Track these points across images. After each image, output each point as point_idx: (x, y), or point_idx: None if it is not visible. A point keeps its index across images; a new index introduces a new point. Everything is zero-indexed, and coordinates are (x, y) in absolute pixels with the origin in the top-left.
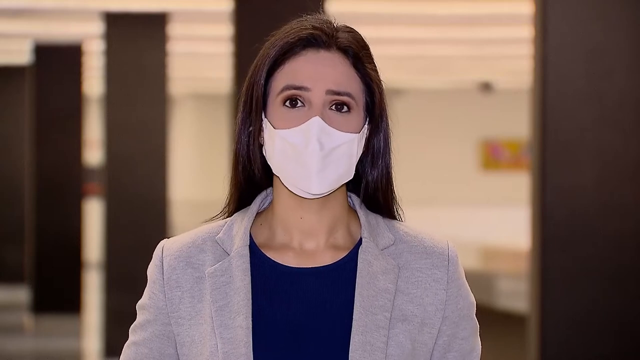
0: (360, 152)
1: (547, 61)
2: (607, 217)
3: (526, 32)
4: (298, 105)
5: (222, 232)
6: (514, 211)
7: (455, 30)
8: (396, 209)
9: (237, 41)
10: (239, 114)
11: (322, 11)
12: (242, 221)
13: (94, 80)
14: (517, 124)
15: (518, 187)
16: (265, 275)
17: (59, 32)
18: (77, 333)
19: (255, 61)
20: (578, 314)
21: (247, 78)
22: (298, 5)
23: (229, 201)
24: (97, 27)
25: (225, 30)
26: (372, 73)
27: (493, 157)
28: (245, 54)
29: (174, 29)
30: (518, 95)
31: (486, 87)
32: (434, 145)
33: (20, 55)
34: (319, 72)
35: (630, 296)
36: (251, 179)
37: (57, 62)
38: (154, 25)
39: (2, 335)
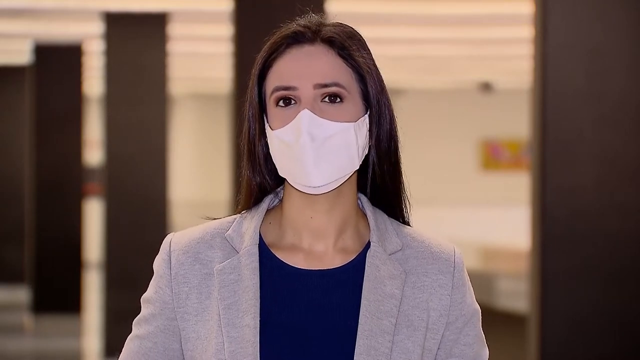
0: (364, 142)
1: (547, 61)
2: (607, 217)
3: (526, 32)
4: (291, 103)
5: (231, 229)
6: (514, 211)
7: (455, 30)
8: (404, 199)
9: (237, 41)
10: (245, 126)
11: (323, 11)
12: (251, 219)
13: (94, 80)
14: (517, 124)
15: (518, 187)
16: (273, 275)
17: (59, 32)
18: (77, 333)
19: (252, 69)
20: (578, 314)
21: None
22: (298, 5)
23: (242, 206)
24: (97, 27)
25: (225, 30)
26: (361, 60)
27: (493, 157)
28: (245, 54)
29: (174, 29)
30: (518, 95)
31: (486, 87)
32: (434, 145)
33: (20, 55)
34: (304, 67)
35: (630, 296)
36: (264, 188)
37: (57, 62)
38: (154, 25)
39: (2, 335)
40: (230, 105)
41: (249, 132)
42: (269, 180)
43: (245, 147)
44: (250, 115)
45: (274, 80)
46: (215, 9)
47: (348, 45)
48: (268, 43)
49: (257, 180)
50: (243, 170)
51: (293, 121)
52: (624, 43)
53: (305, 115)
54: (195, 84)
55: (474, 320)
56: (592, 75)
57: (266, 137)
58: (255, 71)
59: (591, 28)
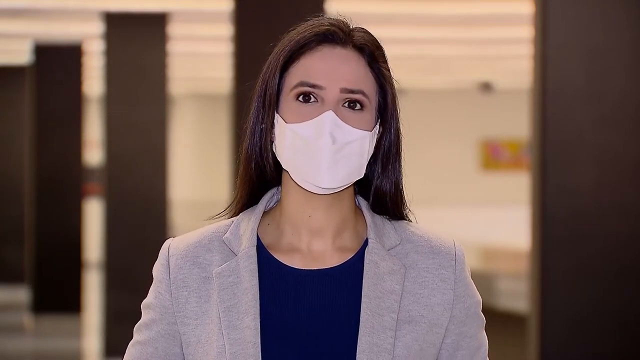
0: (371, 151)
1: (547, 61)
2: (607, 217)
3: (526, 32)
4: (311, 100)
5: (228, 232)
6: (514, 211)
7: (455, 30)
8: (406, 214)
9: (237, 41)
10: (252, 110)
11: (323, 11)
12: (248, 221)
13: (94, 80)
14: (517, 124)
15: (518, 187)
16: (272, 276)
17: (59, 32)
18: (77, 333)
19: (270, 57)
20: (578, 314)
21: (261, 74)
22: (298, 5)
23: (238, 198)
24: (97, 27)
25: (225, 30)
26: (387, 73)
27: (493, 157)
28: (245, 54)
29: (174, 29)
30: (518, 95)
31: (486, 87)
32: (434, 145)
33: (20, 55)
34: (333, 69)
35: (630, 296)
36: (262, 175)
37: (57, 62)
38: (154, 25)
39: (2, 335)
40: (230, 105)
41: (261, 117)
42: (270, 170)
43: (253, 135)
44: (267, 102)
45: (299, 74)
46: (215, 9)
47: (377, 56)
48: (295, 36)
49: (257, 169)
50: (244, 157)
51: (316, 119)
52: (624, 43)
53: (330, 117)
54: (195, 84)
55: (477, 311)
56: (592, 75)
57: (274, 125)
58: (279, 60)
59: (591, 28)
